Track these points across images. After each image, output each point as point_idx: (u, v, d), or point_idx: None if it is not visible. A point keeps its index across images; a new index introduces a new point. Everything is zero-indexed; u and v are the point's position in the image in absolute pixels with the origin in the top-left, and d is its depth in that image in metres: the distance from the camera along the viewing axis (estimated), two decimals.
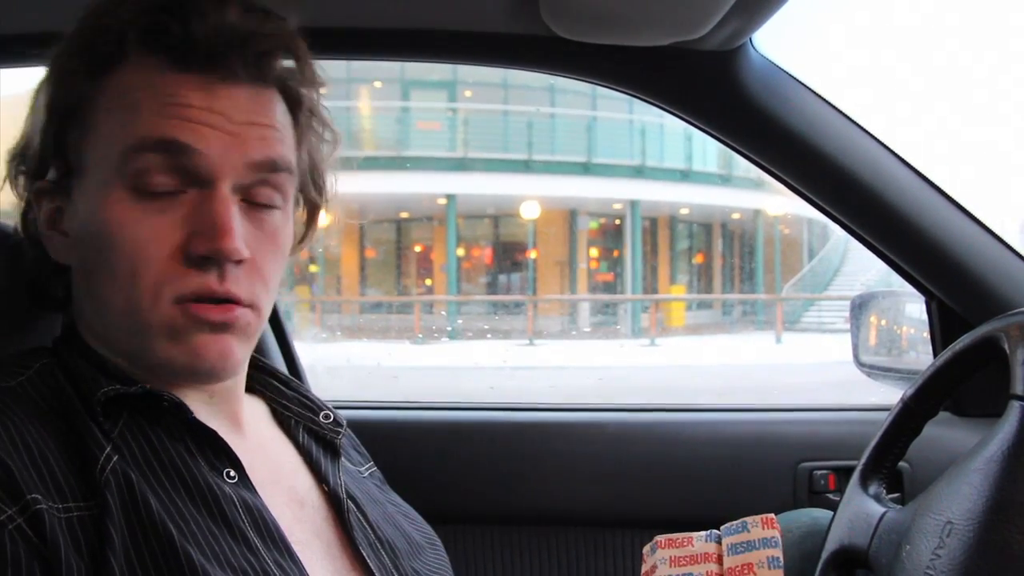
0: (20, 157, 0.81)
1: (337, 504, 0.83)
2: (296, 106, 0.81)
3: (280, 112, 0.78)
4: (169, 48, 0.72)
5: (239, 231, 0.72)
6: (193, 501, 0.70)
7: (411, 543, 0.88)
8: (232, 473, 0.74)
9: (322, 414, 0.89)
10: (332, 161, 0.87)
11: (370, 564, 0.79)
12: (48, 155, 0.77)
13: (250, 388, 0.88)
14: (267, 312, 0.78)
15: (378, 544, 0.83)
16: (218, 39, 0.73)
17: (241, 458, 0.75)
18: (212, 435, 0.74)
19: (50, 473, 0.66)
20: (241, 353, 0.77)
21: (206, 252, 0.71)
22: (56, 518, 0.63)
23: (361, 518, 0.84)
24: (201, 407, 0.77)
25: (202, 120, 0.72)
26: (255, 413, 0.87)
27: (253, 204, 0.76)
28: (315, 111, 0.84)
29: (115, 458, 0.68)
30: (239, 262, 0.73)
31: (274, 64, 0.77)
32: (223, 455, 0.74)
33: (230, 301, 0.73)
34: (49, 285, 0.82)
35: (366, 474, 0.97)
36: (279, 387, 0.91)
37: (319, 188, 0.87)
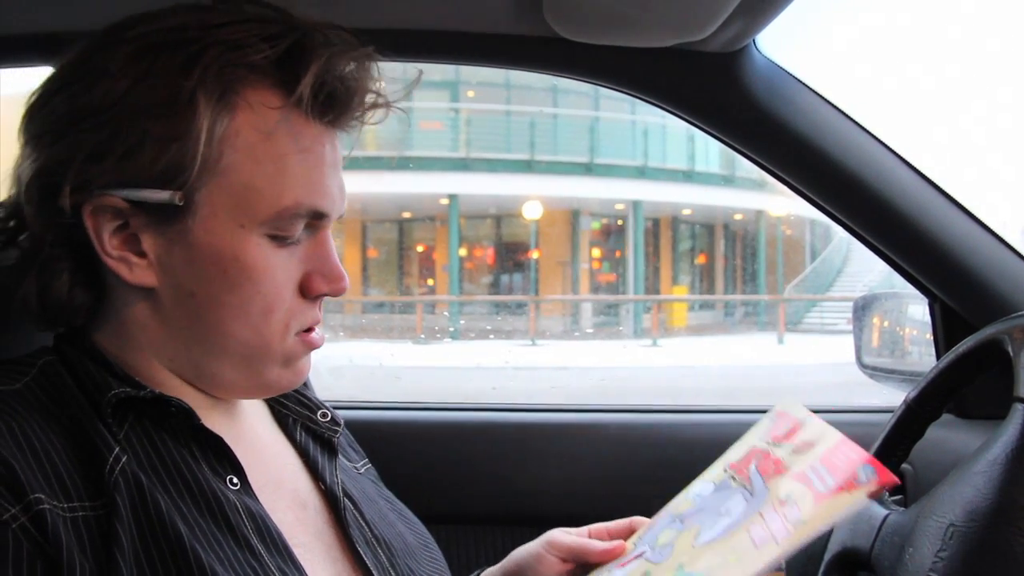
0: (85, 165, 0.71)
1: (334, 502, 0.83)
2: None
3: None
4: (324, 107, 0.75)
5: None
6: (197, 505, 0.70)
7: (406, 542, 0.88)
8: (235, 480, 0.74)
9: (319, 412, 0.90)
10: None
11: (367, 562, 0.80)
12: (144, 175, 0.71)
13: None
14: None
15: (375, 542, 0.83)
16: (356, 99, 0.77)
17: (243, 462, 0.75)
18: (217, 441, 0.74)
19: (55, 473, 0.66)
20: None
21: (328, 292, 0.78)
22: (61, 517, 0.63)
23: (358, 516, 0.84)
24: (206, 411, 0.77)
25: (332, 179, 0.78)
26: (255, 413, 0.87)
27: None
28: None
29: (124, 459, 0.69)
30: None
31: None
32: (226, 461, 0.75)
33: None
34: (72, 296, 0.76)
35: (362, 470, 0.98)
36: None
37: None
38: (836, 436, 0.75)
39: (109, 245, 0.73)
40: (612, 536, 0.91)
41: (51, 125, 0.73)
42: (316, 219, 0.77)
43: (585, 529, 0.93)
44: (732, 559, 0.70)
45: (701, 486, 0.84)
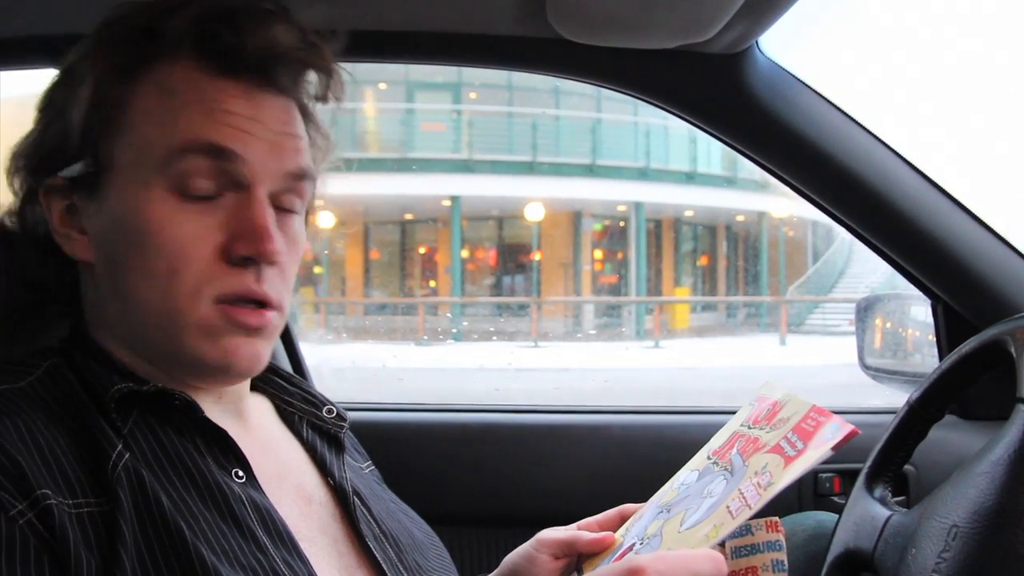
0: (26, 154, 0.81)
1: (343, 498, 0.84)
2: (308, 117, 0.84)
3: (301, 123, 0.82)
4: (219, 55, 0.75)
5: (277, 234, 0.75)
6: (203, 499, 0.70)
7: (413, 537, 0.89)
8: (240, 473, 0.74)
9: (325, 409, 0.91)
10: (324, 166, 0.90)
11: (377, 556, 0.80)
12: (70, 152, 0.77)
13: (253, 386, 0.89)
14: (287, 313, 0.81)
15: (383, 537, 0.83)
16: (268, 52, 0.76)
17: (248, 456, 0.76)
18: (222, 434, 0.75)
19: (60, 470, 0.66)
20: (268, 355, 0.80)
21: (249, 253, 0.74)
22: (66, 513, 0.64)
23: (366, 512, 0.85)
24: (210, 406, 0.78)
25: (246, 128, 0.75)
26: (260, 410, 0.88)
27: (280, 209, 0.79)
28: (315, 119, 0.87)
29: (127, 455, 0.69)
30: (273, 264, 0.76)
31: (319, 81, 0.82)
32: (231, 455, 0.75)
33: (263, 303, 0.76)
34: (53, 283, 0.83)
35: (367, 471, 0.98)
36: (282, 383, 0.92)
37: (313, 193, 0.89)
38: (807, 406, 0.76)
39: (58, 223, 0.79)
40: (601, 528, 0.91)
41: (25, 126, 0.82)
42: (224, 161, 0.74)
43: (574, 525, 0.93)
44: (712, 533, 0.72)
45: (686, 475, 0.85)
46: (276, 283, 0.77)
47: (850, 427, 0.72)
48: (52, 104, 0.80)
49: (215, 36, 0.75)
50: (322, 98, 0.84)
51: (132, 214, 0.74)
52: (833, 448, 0.72)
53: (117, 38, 0.77)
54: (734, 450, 0.80)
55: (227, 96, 0.75)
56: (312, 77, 0.83)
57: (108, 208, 0.76)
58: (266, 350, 0.79)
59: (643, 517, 0.86)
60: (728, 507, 0.73)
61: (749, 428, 0.82)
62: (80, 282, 0.82)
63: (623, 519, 0.91)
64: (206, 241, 0.74)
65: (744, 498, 0.73)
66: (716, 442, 0.86)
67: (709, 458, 0.84)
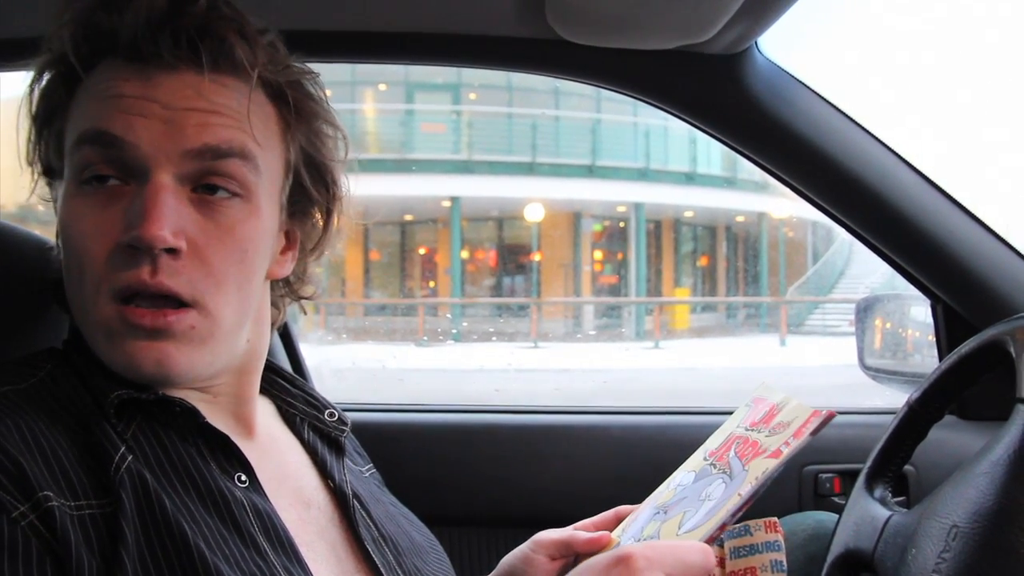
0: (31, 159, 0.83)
1: (342, 501, 0.83)
2: (278, 97, 0.79)
3: (236, 98, 0.74)
4: (101, 42, 0.73)
5: (170, 218, 0.69)
6: (204, 504, 0.70)
7: (412, 541, 0.89)
8: (243, 477, 0.74)
9: (327, 412, 0.90)
10: (341, 160, 0.86)
11: (375, 559, 0.80)
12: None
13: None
14: (225, 313, 0.74)
15: (382, 541, 0.83)
16: (141, 25, 0.72)
17: (250, 459, 0.75)
18: (224, 439, 0.75)
19: (63, 472, 0.66)
20: (189, 359, 0.73)
21: (129, 240, 0.69)
22: (68, 515, 0.64)
23: (365, 515, 0.85)
24: (209, 408, 0.78)
25: (134, 109, 0.71)
26: (263, 412, 0.88)
27: (207, 195, 0.73)
28: (312, 107, 0.82)
29: (129, 457, 0.69)
30: (173, 253, 0.70)
31: (217, 48, 0.74)
32: (234, 459, 0.75)
33: (165, 297, 0.70)
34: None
35: (367, 474, 0.98)
36: (284, 385, 0.92)
37: (325, 186, 0.85)
38: (807, 412, 0.77)
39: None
40: (597, 529, 0.91)
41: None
42: (110, 147, 0.70)
43: (571, 526, 0.94)
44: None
45: (682, 476, 0.85)
46: (186, 276, 0.70)
47: (826, 413, 0.75)
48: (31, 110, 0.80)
49: (95, 25, 0.73)
50: (249, 68, 0.75)
51: (60, 216, 0.76)
52: (812, 433, 0.74)
53: (55, 49, 0.76)
54: (732, 452, 0.80)
55: (117, 80, 0.72)
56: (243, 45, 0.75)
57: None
58: (182, 354, 0.72)
59: (639, 518, 0.86)
60: (729, 512, 0.73)
61: (747, 430, 0.82)
62: None
63: (619, 520, 0.91)
64: (106, 235, 0.70)
65: (744, 500, 0.73)
66: (712, 443, 0.86)
67: (706, 459, 0.84)
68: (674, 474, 0.88)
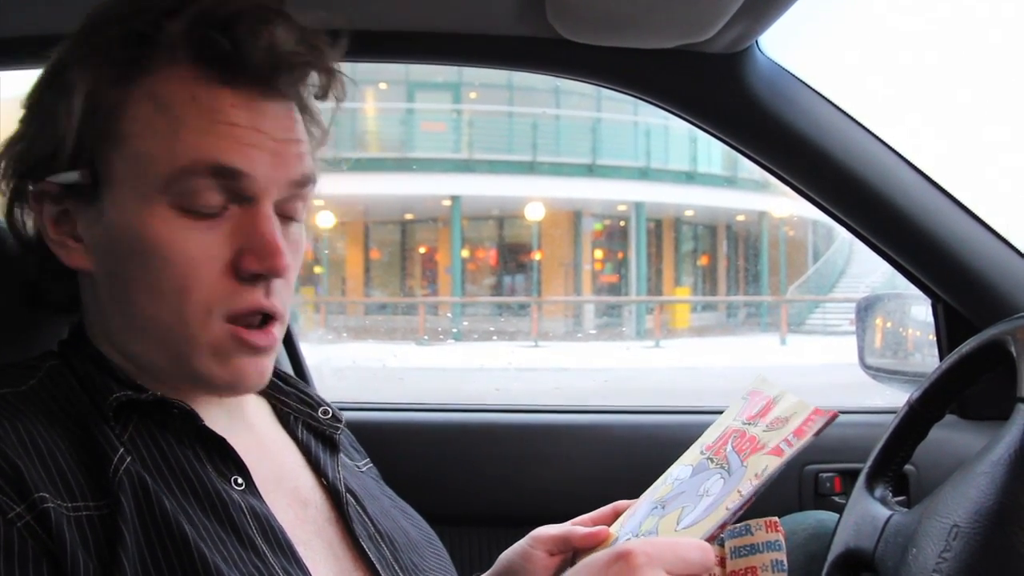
0: (15, 156, 0.78)
1: (336, 499, 0.83)
2: (307, 113, 0.81)
3: (302, 125, 0.79)
4: (217, 64, 0.72)
5: (284, 247, 0.73)
6: (202, 506, 0.70)
7: (409, 536, 0.89)
8: (240, 480, 0.74)
9: (320, 409, 0.90)
10: (319, 157, 0.86)
11: (371, 556, 0.80)
12: (63, 158, 0.74)
13: None
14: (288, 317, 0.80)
15: (378, 537, 0.83)
16: (268, 58, 0.72)
17: (246, 460, 0.75)
18: (221, 442, 0.75)
19: (59, 473, 0.66)
20: (271, 367, 0.79)
21: (260, 270, 0.72)
22: (64, 516, 0.64)
23: (361, 512, 0.84)
24: (209, 410, 0.78)
25: (249, 141, 0.72)
26: (257, 411, 0.87)
27: (284, 217, 0.77)
28: (313, 112, 0.83)
29: (128, 459, 0.69)
30: (282, 277, 0.75)
31: (321, 83, 0.79)
32: (231, 462, 0.75)
33: (271, 317, 0.75)
34: (50, 288, 0.81)
35: (364, 469, 0.98)
36: (278, 383, 0.92)
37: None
38: (808, 409, 0.76)
39: (51, 230, 0.77)
40: (595, 523, 0.91)
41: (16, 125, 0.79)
42: (232, 180, 0.71)
43: (569, 521, 0.94)
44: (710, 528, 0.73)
45: (679, 470, 0.85)
46: (283, 294, 0.76)
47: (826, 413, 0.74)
48: (41, 106, 0.77)
49: (212, 43, 0.71)
50: (322, 97, 0.80)
51: (135, 229, 0.72)
52: (815, 434, 0.73)
53: (109, 42, 0.73)
54: (729, 446, 0.80)
55: (227, 107, 0.72)
56: (313, 77, 0.79)
57: (108, 220, 0.74)
58: (272, 364, 0.78)
59: (637, 513, 0.86)
60: (727, 507, 0.73)
61: (744, 424, 0.81)
62: (80, 288, 0.80)
63: (617, 515, 0.91)
64: (214, 258, 0.72)
65: (743, 497, 0.73)
66: (709, 437, 0.85)
67: (702, 453, 0.84)
68: (670, 468, 0.87)
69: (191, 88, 0.72)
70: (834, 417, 0.73)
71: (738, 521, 0.76)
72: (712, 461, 0.81)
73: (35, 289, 0.82)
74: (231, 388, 0.76)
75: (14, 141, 0.78)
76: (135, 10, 0.74)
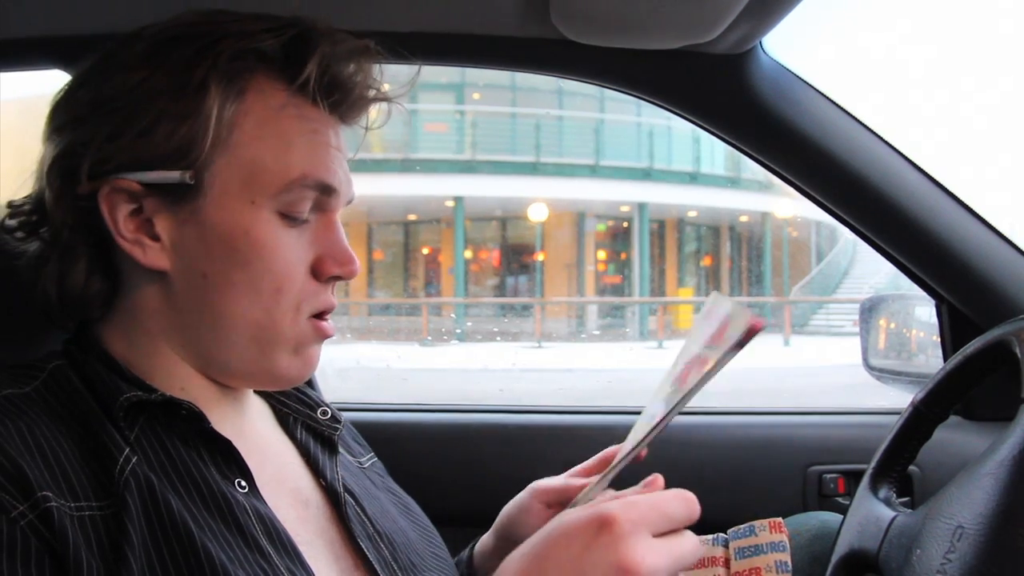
0: (96, 149, 0.74)
1: (335, 499, 0.84)
2: None
3: None
4: (321, 89, 0.78)
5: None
6: (207, 507, 0.71)
7: (408, 536, 0.89)
8: (243, 483, 0.74)
9: (320, 410, 0.91)
10: None
11: (369, 556, 0.80)
12: (157, 156, 0.73)
13: None
14: None
15: (376, 537, 0.84)
16: (362, 92, 0.82)
17: (249, 462, 0.76)
18: (226, 445, 0.75)
19: (63, 473, 0.66)
20: None
21: (340, 274, 0.80)
22: (68, 516, 0.64)
23: (359, 512, 0.85)
24: (213, 408, 0.78)
25: (338, 160, 0.80)
26: (258, 412, 0.88)
27: None
28: None
29: (134, 459, 0.69)
30: None
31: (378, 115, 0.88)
32: (235, 464, 0.75)
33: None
34: (88, 288, 0.78)
35: (367, 464, 0.98)
36: None
37: None
38: (747, 318, 0.71)
39: (124, 228, 0.76)
40: (589, 474, 0.97)
41: (72, 115, 0.77)
42: (324, 195, 0.79)
43: (566, 473, 1.00)
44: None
45: (655, 407, 0.82)
46: None
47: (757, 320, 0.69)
48: (139, 101, 0.74)
49: (333, 78, 0.79)
50: (380, 127, 0.89)
51: (237, 230, 0.75)
52: (735, 346, 0.69)
53: (234, 55, 0.75)
54: (691, 375, 0.77)
55: (325, 127, 0.80)
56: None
57: (202, 221, 0.75)
58: None
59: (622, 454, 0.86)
60: (654, 427, 0.73)
61: (705, 349, 0.78)
62: (128, 290, 0.79)
63: (608, 462, 0.94)
64: (303, 262, 0.79)
65: (667, 406, 0.73)
66: (677, 368, 0.81)
67: (672, 385, 0.81)
68: (647, 405, 0.84)
69: (298, 106, 0.78)
70: (757, 328, 0.69)
71: (743, 522, 0.76)
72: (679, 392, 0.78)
73: (60, 290, 0.78)
74: (297, 377, 0.82)
75: (94, 132, 0.75)
76: (250, 30, 0.77)
